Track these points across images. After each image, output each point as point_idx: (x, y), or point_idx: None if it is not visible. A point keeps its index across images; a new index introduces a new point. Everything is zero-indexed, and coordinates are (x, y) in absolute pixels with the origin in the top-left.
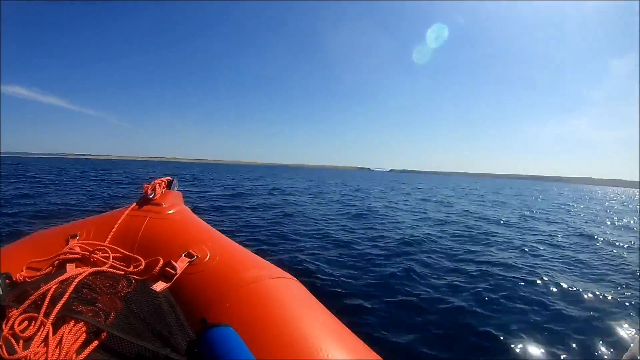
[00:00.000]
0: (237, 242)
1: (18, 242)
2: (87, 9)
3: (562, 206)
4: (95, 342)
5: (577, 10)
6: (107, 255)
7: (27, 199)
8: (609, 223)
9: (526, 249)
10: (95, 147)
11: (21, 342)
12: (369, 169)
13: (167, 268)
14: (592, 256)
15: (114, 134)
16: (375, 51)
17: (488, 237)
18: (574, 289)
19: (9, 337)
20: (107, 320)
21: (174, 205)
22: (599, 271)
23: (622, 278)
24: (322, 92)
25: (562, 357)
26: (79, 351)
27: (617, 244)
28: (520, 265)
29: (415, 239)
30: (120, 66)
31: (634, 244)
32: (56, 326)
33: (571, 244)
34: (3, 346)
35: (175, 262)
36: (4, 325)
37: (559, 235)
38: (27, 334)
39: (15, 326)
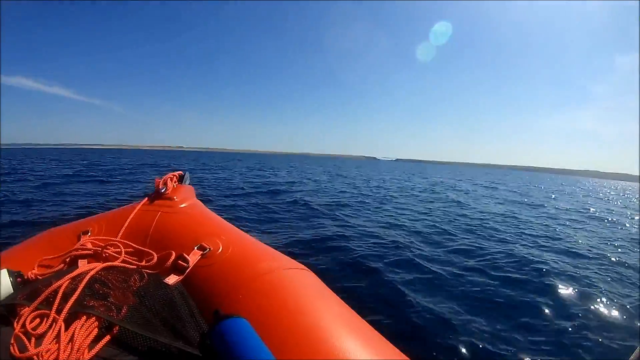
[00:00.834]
0: (251, 235)
1: (29, 241)
2: (91, 4)
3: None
4: (107, 337)
5: (582, 7)
6: (119, 250)
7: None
8: None
9: None
10: (102, 136)
11: (33, 339)
12: (375, 158)
13: (179, 261)
14: None
15: (120, 123)
16: (384, 49)
17: None
18: None
19: (21, 335)
20: (119, 314)
21: (186, 199)
22: None
23: None
24: (329, 84)
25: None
26: (91, 346)
27: None
28: None
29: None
30: (124, 56)
31: None
32: (68, 322)
33: None
34: (15, 344)
35: (188, 255)
36: (15, 323)
37: None
38: (39, 331)
39: (27, 324)
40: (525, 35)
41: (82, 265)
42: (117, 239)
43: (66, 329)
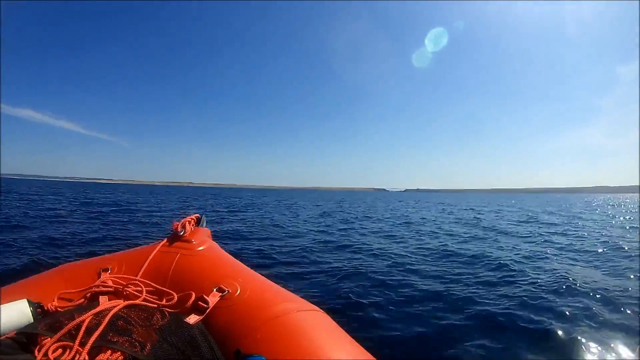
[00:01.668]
0: (265, 276)
1: (47, 273)
2: (96, 32)
3: None
4: None
5: (577, 13)
6: (140, 289)
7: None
8: None
9: None
10: (108, 171)
11: None
12: (384, 189)
13: (199, 302)
14: None
15: (125, 158)
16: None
17: None
18: None
19: None
20: (143, 350)
21: (204, 242)
22: None
23: None
24: (338, 115)
25: None
26: None
27: None
28: None
29: None
30: (133, 91)
31: None
32: (91, 356)
33: None
34: None
35: (207, 297)
36: (36, 352)
37: None
38: None
39: (50, 353)
40: (527, 52)
41: (104, 301)
42: (138, 278)
43: None
